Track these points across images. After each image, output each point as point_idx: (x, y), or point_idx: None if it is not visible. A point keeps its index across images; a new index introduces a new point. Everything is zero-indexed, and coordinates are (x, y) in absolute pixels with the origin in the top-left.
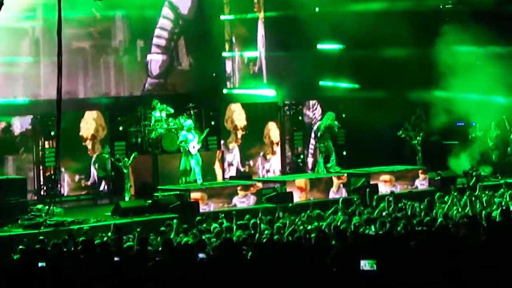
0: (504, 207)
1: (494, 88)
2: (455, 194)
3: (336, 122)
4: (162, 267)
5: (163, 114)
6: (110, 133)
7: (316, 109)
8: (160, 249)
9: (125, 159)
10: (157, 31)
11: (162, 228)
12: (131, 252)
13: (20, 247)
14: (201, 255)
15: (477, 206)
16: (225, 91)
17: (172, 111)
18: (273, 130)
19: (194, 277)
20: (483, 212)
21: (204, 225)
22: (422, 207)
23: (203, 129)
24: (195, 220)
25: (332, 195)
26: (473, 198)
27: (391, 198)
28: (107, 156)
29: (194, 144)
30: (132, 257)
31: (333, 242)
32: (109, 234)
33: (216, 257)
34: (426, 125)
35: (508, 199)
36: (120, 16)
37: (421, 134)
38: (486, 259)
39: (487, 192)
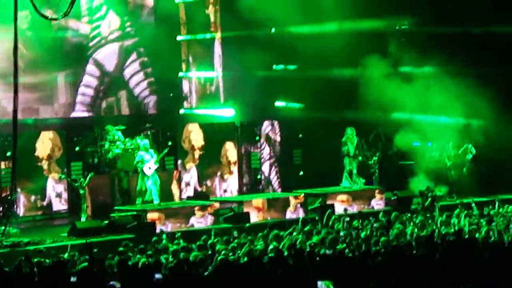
0: (458, 227)
1: (450, 108)
2: (408, 215)
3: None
4: None
5: (119, 134)
6: (67, 153)
7: (264, 148)
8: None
9: (82, 179)
10: (81, 89)
11: (121, 249)
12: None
13: None
14: (157, 276)
15: (432, 226)
16: (182, 111)
17: (122, 127)
18: (230, 150)
19: None
20: (438, 232)
21: (161, 245)
22: (378, 227)
23: (160, 149)
24: (152, 241)
25: (289, 215)
26: (428, 218)
27: (347, 219)
28: (63, 176)
29: (150, 164)
30: (88, 278)
31: (290, 262)
32: (65, 255)
33: (172, 277)
34: (383, 145)
35: (463, 219)
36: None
37: (377, 154)
38: (441, 278)
39: (439, 212)
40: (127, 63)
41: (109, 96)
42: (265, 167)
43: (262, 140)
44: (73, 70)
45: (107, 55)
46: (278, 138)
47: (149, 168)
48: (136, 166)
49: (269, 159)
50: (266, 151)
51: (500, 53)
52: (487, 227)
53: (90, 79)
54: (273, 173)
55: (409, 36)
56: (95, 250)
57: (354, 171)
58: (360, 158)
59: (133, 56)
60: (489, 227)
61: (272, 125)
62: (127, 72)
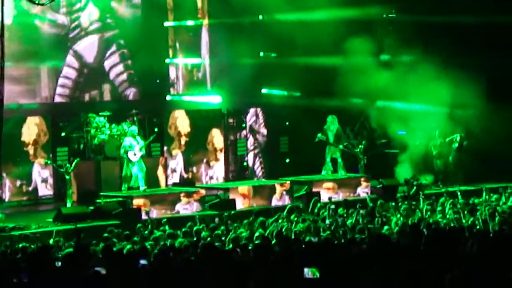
0: (444, 216)
1: (437, 97)
2: (393, 204)
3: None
4: (102, 274)
5: (102, 121)
6: (52, 138)
7: (248, 139)
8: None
9: (67, 165)
10: (61, 80)
11: (105, 235)
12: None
13: None
14: (142, 262)
15: (418, 214)
16: (168, 97)
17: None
18: (216, 137)
19: (135, 284)
20: (423, 220)
21: (146, 232)
22: (364, 214)
23: (147, 136)
24: (137, 227)
25: (275, 202)
26: (414, 207)
27: (333, 206)
28: (49, 161)
29: (135, 151)
30: (73, 264)
31: (276, 249)
32: (51, 241)
33: (157, 263)
34: (369, 134)
35: (448, 207)
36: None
37: (363, 143)
38: (426, 266)
39: (424, 200)
40: (107, 54)
41: (89, 88)
42: (249, 158)
43: (246, 131)
44: (54, 62)
45: (87, 47)
46: (262, 129)
47: (134, 154)
48: (120, 152)
49: (253, 149)
50: (250, 141)
51: (489, 43)
52: (472, 216)
53: (69, 71)
54: (257, 163)
55: (396, 25)
56: (82, 235)
57: (339, 160)
58: (341, 146)
59: (113, 47)
60: (474, 216)
61: (257, 116)
62: (107, 64)
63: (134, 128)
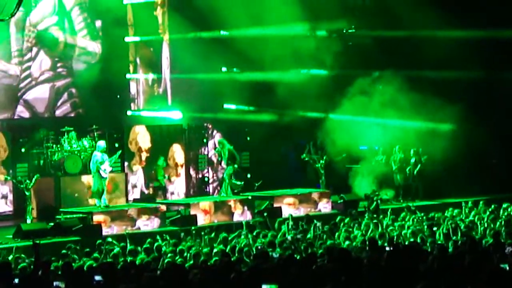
0: (404, 231)
1: (397, 112)
2: (346, 221)
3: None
4: None
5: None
6: (12, 154)
7: (208, 172)
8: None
9: (27, 181)
10: None
11: (63, 251)
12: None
13: None
14: (97, 278)
15: (379, 229)
16: (129, 112)
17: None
18: (177, 152)
19: None
20: (384, 235)
21: (107, 246)
22: (324, 230)
23: (110, 152)
24: (97, 243)
25: (236, 217)
26: (374, 221)
27: (291, 222)
28: (8, 178)
29: (105, 166)
30: (32, 280)
31: (236, 265)
32: (10, 257)
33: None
34: (329, 149)
35: (410, 222)
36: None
37: (324, 158)
38: (386, 282)
39: (386, 215)
40: (58, 104)
41: None
42: (209, 189)
43: (207, 147)
44: (5, 113)
45: (38, 97)
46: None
47: (104, 170)
48: (92, 168)
49: (212, 182)
50: (210, 174)
51: (465, 60)
52: (432, 231)
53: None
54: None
55: (356, 39)
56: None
57: (233, 179)
58: (236, 166)
59: (65, 96)
60: (434, 231)
61: (215, 147)
62: (58, 113)
63: (103, 144)
